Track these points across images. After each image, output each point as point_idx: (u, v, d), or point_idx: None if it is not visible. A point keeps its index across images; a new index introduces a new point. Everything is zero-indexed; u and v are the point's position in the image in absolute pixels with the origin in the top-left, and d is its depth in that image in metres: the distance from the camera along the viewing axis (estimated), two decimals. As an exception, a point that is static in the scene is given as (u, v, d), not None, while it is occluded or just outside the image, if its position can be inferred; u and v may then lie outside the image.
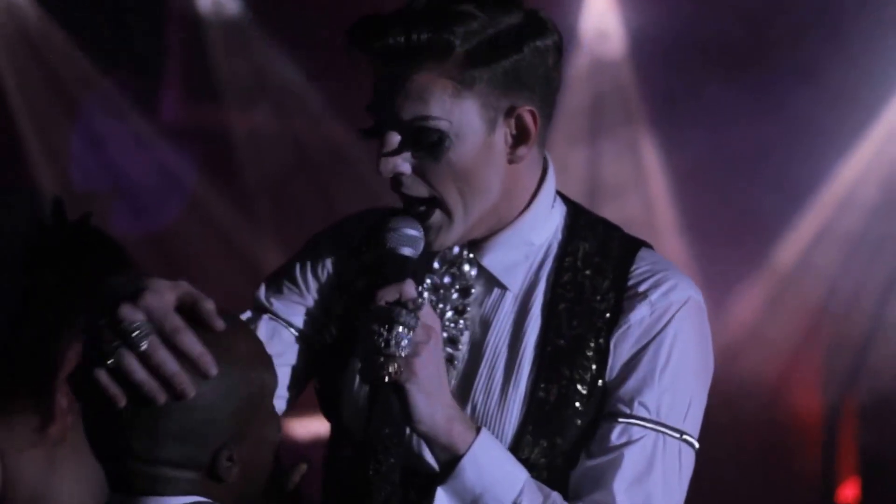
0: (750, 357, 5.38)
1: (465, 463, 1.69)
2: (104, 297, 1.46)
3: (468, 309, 1.85)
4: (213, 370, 1.46)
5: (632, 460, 1.74)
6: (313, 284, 1.96)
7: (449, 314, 1.84)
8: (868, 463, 5.50)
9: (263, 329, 1.93)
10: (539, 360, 1.80)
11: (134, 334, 1.43)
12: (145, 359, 1.43)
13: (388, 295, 1.67)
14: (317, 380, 1.97)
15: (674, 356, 1.78)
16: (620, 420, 1.76)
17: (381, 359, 1.63)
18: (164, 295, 1.46)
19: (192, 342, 1.45)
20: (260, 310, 1.96)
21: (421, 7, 1.71)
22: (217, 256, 5.48)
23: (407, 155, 1.73)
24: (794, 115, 5.19)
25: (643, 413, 1.76)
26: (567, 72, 4.76)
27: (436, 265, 1.86)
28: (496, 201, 1.79)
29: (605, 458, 1.75)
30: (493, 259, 1.84)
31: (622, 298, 1.81)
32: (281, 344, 1.93)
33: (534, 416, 1.78)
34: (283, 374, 1.92)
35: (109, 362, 1.43)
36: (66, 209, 2.50)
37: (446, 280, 1.86)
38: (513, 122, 1.75)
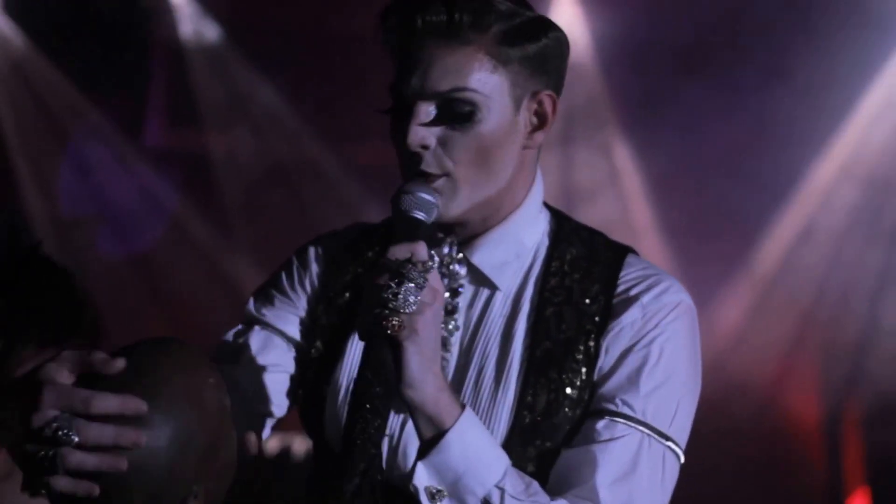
0: (739, 362, 5.22)
1: (451, 438, 1.65)
2: (12, 417, 1.50)
3: (458, 310, 1.84)
4: (143, 406, 1.47)
5: (616, 457, 1.71)
6: (301, 295, 1.96)
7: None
8: (878, 472, 5.25)
9: (255, 340, 1.93)
10: (528, 364, 1.78)
11: (60, 434, 1.45)
12: (85, 445, 1.46)
13: (399, 252, 1.66)
14: (300, 394, 1.96)
15: (663, 358, 1.76)
16: (605, 416, 1.74)
17: (386, 311, 1.60)
18: (56, 379, 1.48)
19: (105, 401, 1.47)
20: (251, 322, 1.97)
21: None
22: (199, 276, 5.56)
23: (435, 129, 1.75)
24: (767, 112, 5.15)
25: (629, 412, 1.73)
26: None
27: None
28: (503, 187, 1.80)
29: (588, 454, 1.72)
30: (484, 256, 1.84)
31: (613, 302, 1.81)
32: (275, 352, 1.93)
33: (523, 422, 1.76)
34: (280, 381, 1.91)
35: (60, 470, 1.45)
36: (21, 236, 2.55)
37: None
38: (534, 106, 1.79)
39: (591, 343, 1.77)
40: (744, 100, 5.17)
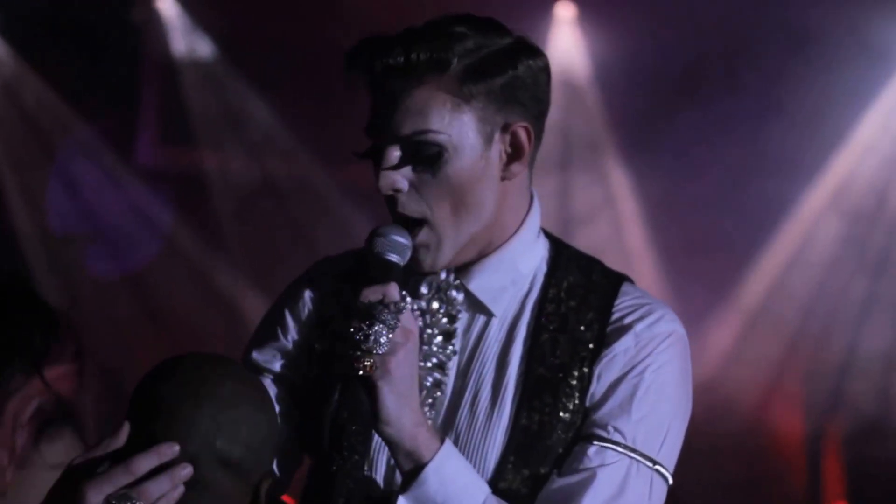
0: (727, 383, 5.36)
1: (430, 471, 1.69)
2: None
3: (456, 334, 1.86)
4: (175, 448, 1.58)
5: (604, 483, 1.74)
6: (293, 326, 1.96)
7: (438, 339, 1.84)
8: (857, 487, 5.46)
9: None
10: (523, 388, 1.80)
11: None
12: (151, 501, 1.55)
13: (371, 294, 1.70)
14: (298, 413, 1.96)
15: (654, 386, 1.79)
16: (595, 443, 1.76)
17: (358, 353, 1.65)
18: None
19: (143, 461, 1.57)
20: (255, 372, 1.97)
21: (418, 28, 1.77)
22: (191, 293, 5.52)
23: (406, 171, 1.76)
24: (760, 142, 5.22)
25: (619, 438, 1.76)
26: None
27: (423, 290, 1.86)
28: (488, 222, 1.81)
29: (577, 479, 1.75)
30: (480, 283, 1.85)
31: (607, 330, 1.82)
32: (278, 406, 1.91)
33: (517, 445, 1.78)
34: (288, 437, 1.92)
35: None
36: None
37: (434, 305, 1.86)
38: (508, 137, 1.78)
39: (585, 369, 1.80)
40: (737, 128, 5.22)
